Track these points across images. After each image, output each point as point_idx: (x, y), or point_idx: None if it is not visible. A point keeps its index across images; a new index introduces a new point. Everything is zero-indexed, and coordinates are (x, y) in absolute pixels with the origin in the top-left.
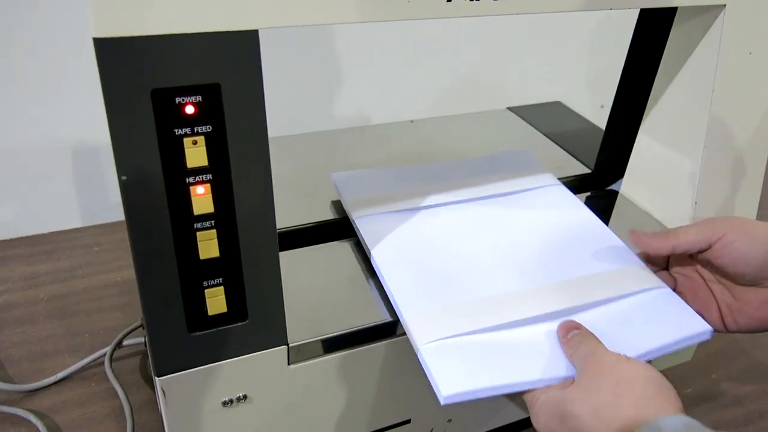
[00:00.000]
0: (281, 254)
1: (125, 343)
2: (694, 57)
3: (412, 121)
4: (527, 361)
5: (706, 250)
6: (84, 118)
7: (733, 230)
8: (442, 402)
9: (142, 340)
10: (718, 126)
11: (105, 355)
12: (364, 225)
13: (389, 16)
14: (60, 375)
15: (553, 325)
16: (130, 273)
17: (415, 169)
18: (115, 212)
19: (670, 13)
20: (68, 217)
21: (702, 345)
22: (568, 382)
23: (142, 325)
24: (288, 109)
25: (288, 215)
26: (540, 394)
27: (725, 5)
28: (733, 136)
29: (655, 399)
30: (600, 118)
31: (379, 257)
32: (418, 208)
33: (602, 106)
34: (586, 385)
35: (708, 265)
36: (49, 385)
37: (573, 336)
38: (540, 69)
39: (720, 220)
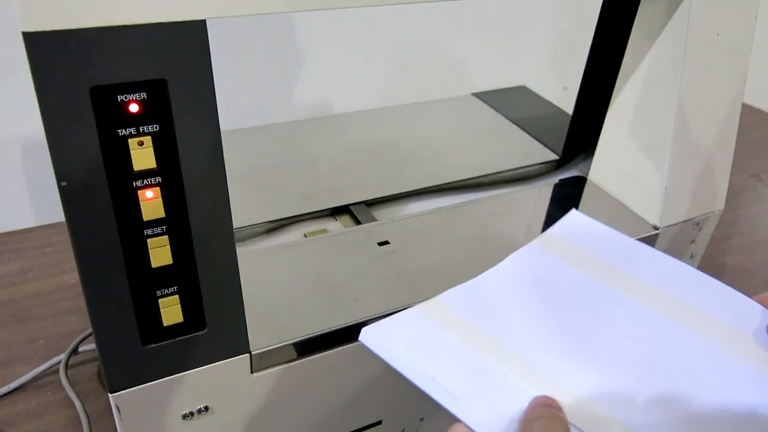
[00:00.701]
0: (239, 254)
1: (81, 349)
2: (662, 39)
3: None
4: (474, 388)
5: None
6: (33, 112)
7: None
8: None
9: None
10: (687, 109)
11: (60, 362)
12: None
13: (349, 2)
14: (12, 385)
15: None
16: None
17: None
18: None
19: None
20: (18, 217)
21: None
22: None
23: None
24: (242, 99)
25: (245, 213)
26: None
27: None
28: (702, 119)
29: None
30: (564, 100)
31: None
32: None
33: (565, 88)
34: None
35: None
36: (2, 396)
37: (538, 411)
38: (502, 50)
39: None
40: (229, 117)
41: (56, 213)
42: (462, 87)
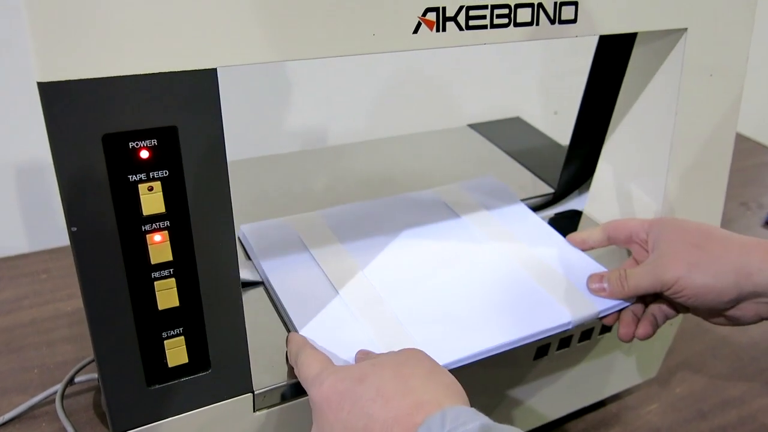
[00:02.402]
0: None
1: (77, 379)
2: (656, 80)
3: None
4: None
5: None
6: (29, 136)
7: (687, 275)
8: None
9: (96, 375)
10: (680, 148)
11: (56, 392)
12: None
13: (356, 51)
14: (7, 416)
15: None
16: (81, 302)
17: (344, 210)
18: (64, 236)
19: (631, 36)
20: (13, 243)
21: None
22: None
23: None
24: (236, 131)
25: None
26: (331, 366)
27: (687, 29)
28: (695, 158)
29: (463, 395)
30: (555, 126)
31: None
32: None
33: (556, 113)
34: (401, 357)
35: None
36: None
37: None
38: (494, 76)
39: (670, 262)
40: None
41: (51, 239)
42: (458, 116)
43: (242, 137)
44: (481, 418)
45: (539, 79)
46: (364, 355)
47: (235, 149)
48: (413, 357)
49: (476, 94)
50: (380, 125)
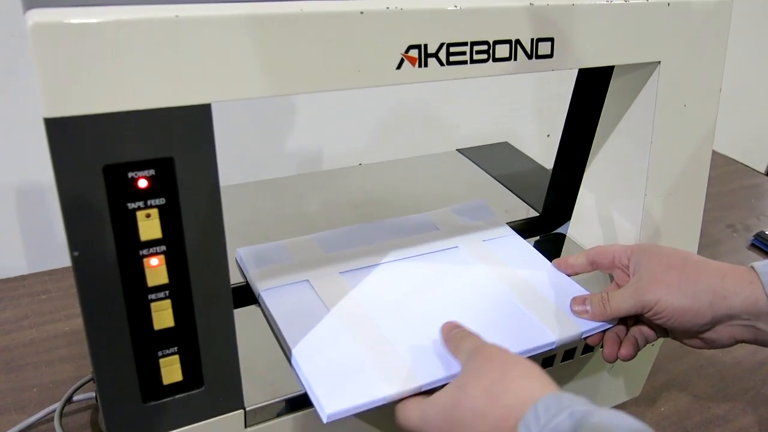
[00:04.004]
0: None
1: (76, 398)
2: (632, 110)
3: (360, 164)
4: (411, 366)
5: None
6: (28, 158)
7: (666, 297)
8: (325, 420)
9: (94, 394)
10: (657, 175)
11: (55, 411)
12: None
13: (341, 86)
14: None
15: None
16: (79, 322)
17: (333, 235)
18: (64, 257)
19: (608, 69)
20: (13, 264)
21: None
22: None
23: (93, 379)
24: (232, 156)
25: (236, 268)
26: (424, 405)
27: (660, 62)
28: (672, 184)
29: (540, 375)
30: (548, 148)
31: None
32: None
33: (548, 135)
34: (475, 370)
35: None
36: None
37: (455, 333)
38: (486, 99)
39: (650, 285)
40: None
41: (51, 260)
42: (452, 140)
43: (239, 162)
44: (564, 403)
45: (533, 103)
46: (452, 326)
47: (232, 173)
48: (485, 362)
49: (471, 117)
50: (375, 150)
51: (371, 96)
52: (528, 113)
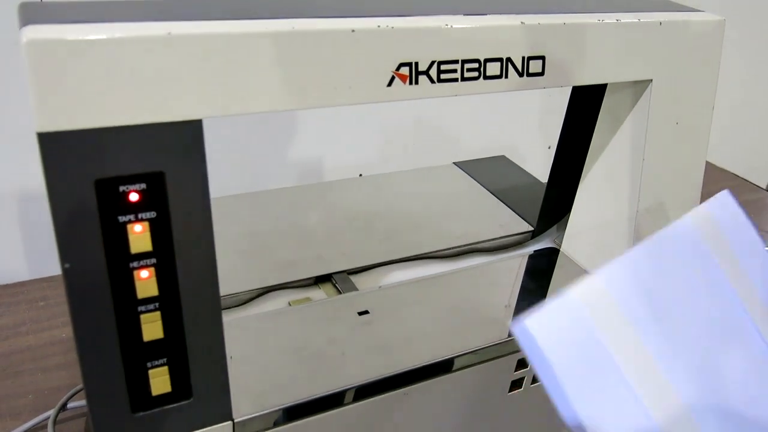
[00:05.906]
0: (223, 322)
1: (70, 405)
2: (625, 126)
3: (360, 175)
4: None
5: None
6: (28, 164)
7: None
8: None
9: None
10: (649, 191)
11: (49, 418)
12: None
13: (332, 103)
14: None
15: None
16: None
17: None
18: None
19: (602, 85)
20: (12, 270)
21: None
22: None
23: None
24: (229, 167)
25: (230, 280)
26: None
27: (652, 80)
28: (664, 199)
29: None
30: (549, 160)
31: None
32: None
33: (549, 147)
34: None
35: None
36: None
37: None
38: (489, 112)
39: None
40: (216, 184)
41: (50, 267)
42: (453, 152)
43: (239, 172)
44: None
45: (535, 114)
46: None
47: (231, 183)
48: None
49: (471, 130)
50: (377, 162)
51: (374, 108)
52: (530, 125)
